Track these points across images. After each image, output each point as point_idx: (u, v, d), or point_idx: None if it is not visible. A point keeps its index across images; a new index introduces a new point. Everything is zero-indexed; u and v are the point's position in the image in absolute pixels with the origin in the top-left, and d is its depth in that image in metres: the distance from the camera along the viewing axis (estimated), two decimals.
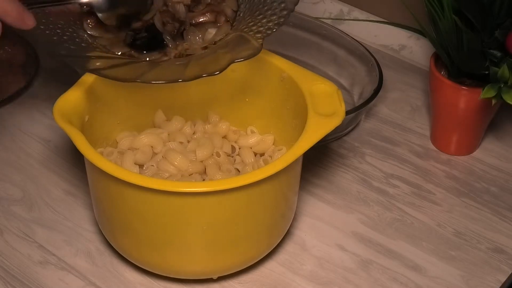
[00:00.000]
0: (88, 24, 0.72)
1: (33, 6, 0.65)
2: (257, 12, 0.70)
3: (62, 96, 0.69)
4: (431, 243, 0.78)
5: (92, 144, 0.66)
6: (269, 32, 0.68)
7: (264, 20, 0.69)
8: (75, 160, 0.84)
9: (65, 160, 0.85)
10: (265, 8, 0.70)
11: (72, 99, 0.69)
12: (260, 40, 0.68)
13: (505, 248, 0.78)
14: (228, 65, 0.66)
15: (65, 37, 0.69)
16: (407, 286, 0.74)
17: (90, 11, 0.71)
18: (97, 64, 0.68)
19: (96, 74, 0.67)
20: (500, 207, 0.82)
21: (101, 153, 0.74)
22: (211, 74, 0.65)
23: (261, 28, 0.69)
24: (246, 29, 0.70)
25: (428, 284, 0.74)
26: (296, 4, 0.69)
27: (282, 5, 0.69)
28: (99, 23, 0.72)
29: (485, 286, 0.74)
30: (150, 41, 0.72)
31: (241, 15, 0.72)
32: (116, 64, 0.69)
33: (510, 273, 0.76)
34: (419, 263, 0.76)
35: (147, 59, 0.71)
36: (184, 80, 0.66)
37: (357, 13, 1.05)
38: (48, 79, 0.95)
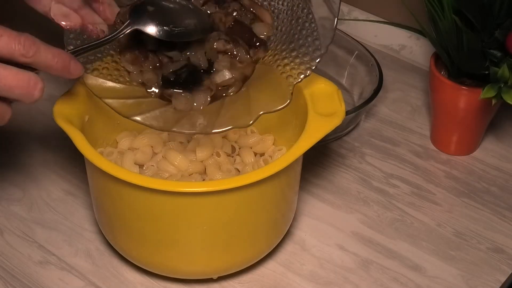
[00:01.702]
0: (127, 59, 0.70)
1: (81, 53, 0.64)
2: (292, 45, 0.69)
3: (62, 96, 0.70)
4: (431, 243, 0.78)
5: (92, 144, 0.66)
6: (302, 76, 0.68)
7: (297, 60, 0.68)
8: (75, 160, 0.84)
9: (65, 160, 0.85)
10: (300, 42, 0.68)
11: (72, 99, 0.70)
12: (291, 88, 0.67)
13: (505, 248, 0.78)
14: (258, 117, 0.66)
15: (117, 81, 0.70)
16: (407, 286, 0.74)
17: (129, 46, 0.70)
18: (136, 111, 0.68)
19: (136, 122, 0.68)
20: (500, 207, 0.82)
21: (101, 153, 0.74)
22: (240, 127, 0.66)
23: (294, 71, 0.68)
24: (280, 68, 0.69)
25: (428, 284, 0.74)
26: (328, 45, 0.68)
27: (317, 42, 0.68)
28: (136, 59, 0.70)
29: (485, 286, 0.74)
30: (187, 79, 0.70)
31: (278, 47, 0.70)
32: (149, 109, 0.69)
33: (510, 273, 0.76)
34: (419, 263, 0.76)
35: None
36: (213, 133, 0.67)
37: (357, 13, 1.05)
38: (48, 79, 0.95)
